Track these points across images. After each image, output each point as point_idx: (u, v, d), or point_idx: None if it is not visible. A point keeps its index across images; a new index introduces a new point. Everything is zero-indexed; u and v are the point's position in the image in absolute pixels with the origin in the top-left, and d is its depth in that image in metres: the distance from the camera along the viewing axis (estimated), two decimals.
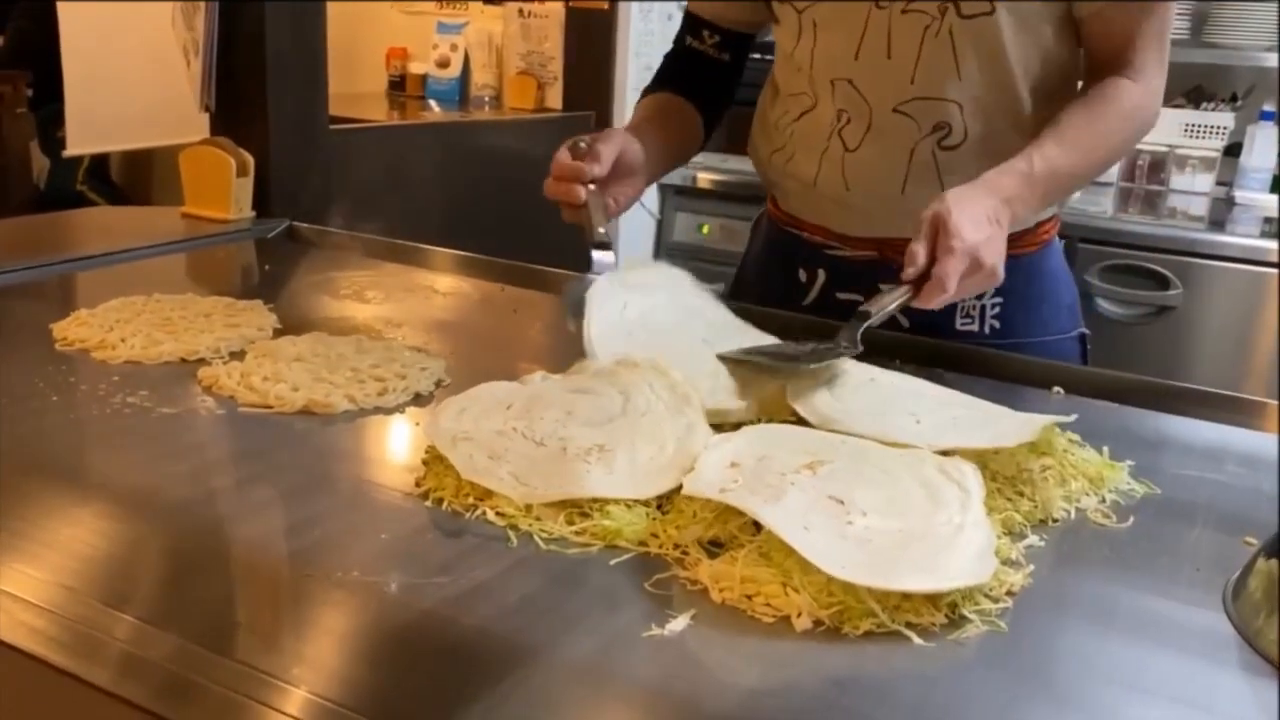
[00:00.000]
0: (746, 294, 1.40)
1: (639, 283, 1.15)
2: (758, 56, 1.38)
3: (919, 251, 1.00)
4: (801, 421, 0.97)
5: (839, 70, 1.20)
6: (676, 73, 1.37)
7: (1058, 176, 1.11)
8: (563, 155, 1.16)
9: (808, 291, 1.31)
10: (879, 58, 1.17)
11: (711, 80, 1.36)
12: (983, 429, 0.91)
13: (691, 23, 1.35)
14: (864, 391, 0.99)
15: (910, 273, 1.00)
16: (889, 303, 1.03)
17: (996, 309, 1.26)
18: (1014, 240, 1.20)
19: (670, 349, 1.06)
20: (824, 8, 1.19)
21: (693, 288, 1.19)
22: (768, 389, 0.99)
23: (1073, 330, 1.32)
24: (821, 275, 1.30)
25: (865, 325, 1.03)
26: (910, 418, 0.92)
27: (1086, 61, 1.20)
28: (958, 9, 1.13)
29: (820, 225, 1.30)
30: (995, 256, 1.01)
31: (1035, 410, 1.01)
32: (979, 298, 1.24)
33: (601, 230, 1.14)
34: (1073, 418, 0.94)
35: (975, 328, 1.26)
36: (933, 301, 1.00)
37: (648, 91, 1.39)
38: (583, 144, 1.17)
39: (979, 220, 1.01)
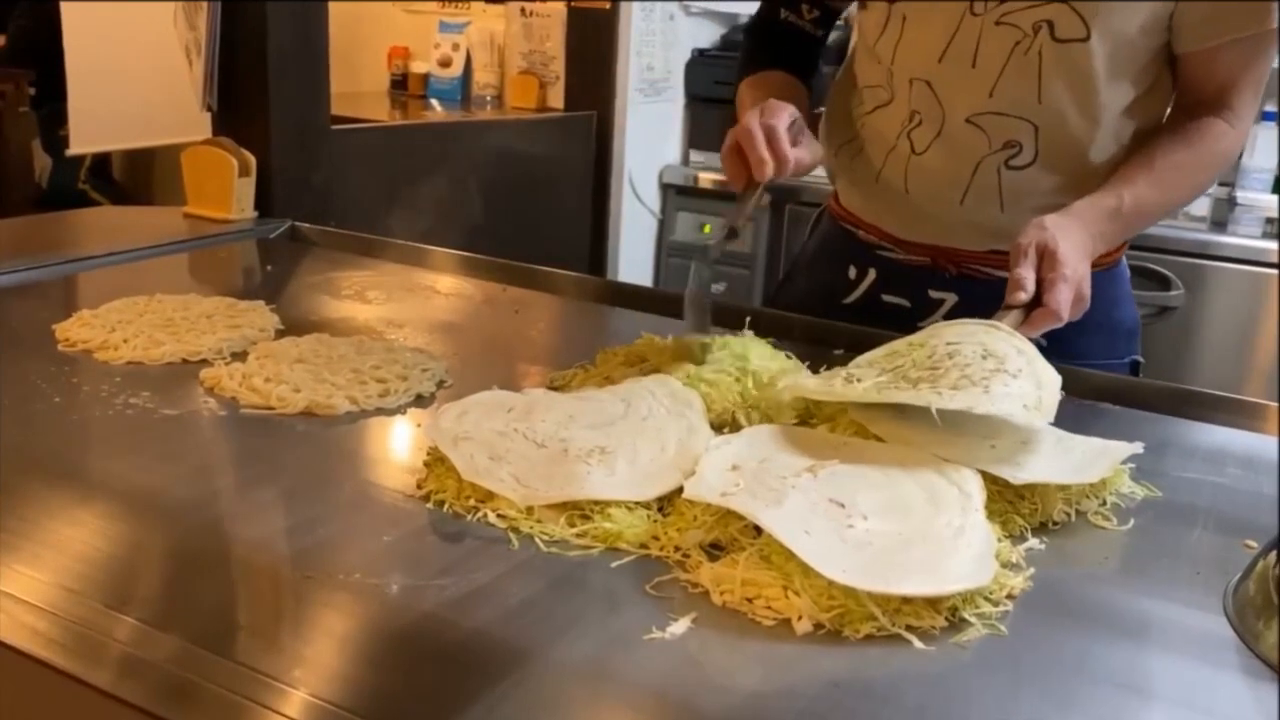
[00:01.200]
0: (794, 285, 1.39)
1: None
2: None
3: (1027, 277, 0.99)
4: (803, 423, 0.97)
5: (919, 70, 1.18)
6: (774, 48, 1.32)
7: (1143, 214, 1.11)
8: (783, 133, 1.05)
9: (854, 289, 1.29)
10: (963, 64, 1.14)
11: (807, 55, 1.33)
12: (1063, 457, 0.89)
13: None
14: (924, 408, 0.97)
15: (1020, 298, 0.99)
16: (1004, 326, 0.98)
17: None
18: None
19: None
20: (917, 4, 1.16)
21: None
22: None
23: (1125, 357, 1.28)
24: (871, 274, 1.29)
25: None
26: (985, 441, 0.89)
27: (1180, 97, 1.17)
28: (1051, 30, 1.10)
29: (876, 225, 1.29)
30: (1090, 289, 1.02)
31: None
32: None
33: (744, 221, 1.12)
34: (1138, 447, 0.92)
35: None
36: (1041, 329, 0.99)
37: (750, 67, 1.32)
38: (793, 127, 1.08)
39: (1081, 253, 1.01)
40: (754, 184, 1.05)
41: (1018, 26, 1.11)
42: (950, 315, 1.22)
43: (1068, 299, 0.98)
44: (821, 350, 1.15)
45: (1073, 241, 1.01)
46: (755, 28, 1.36)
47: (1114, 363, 1.26)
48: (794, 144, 1.07)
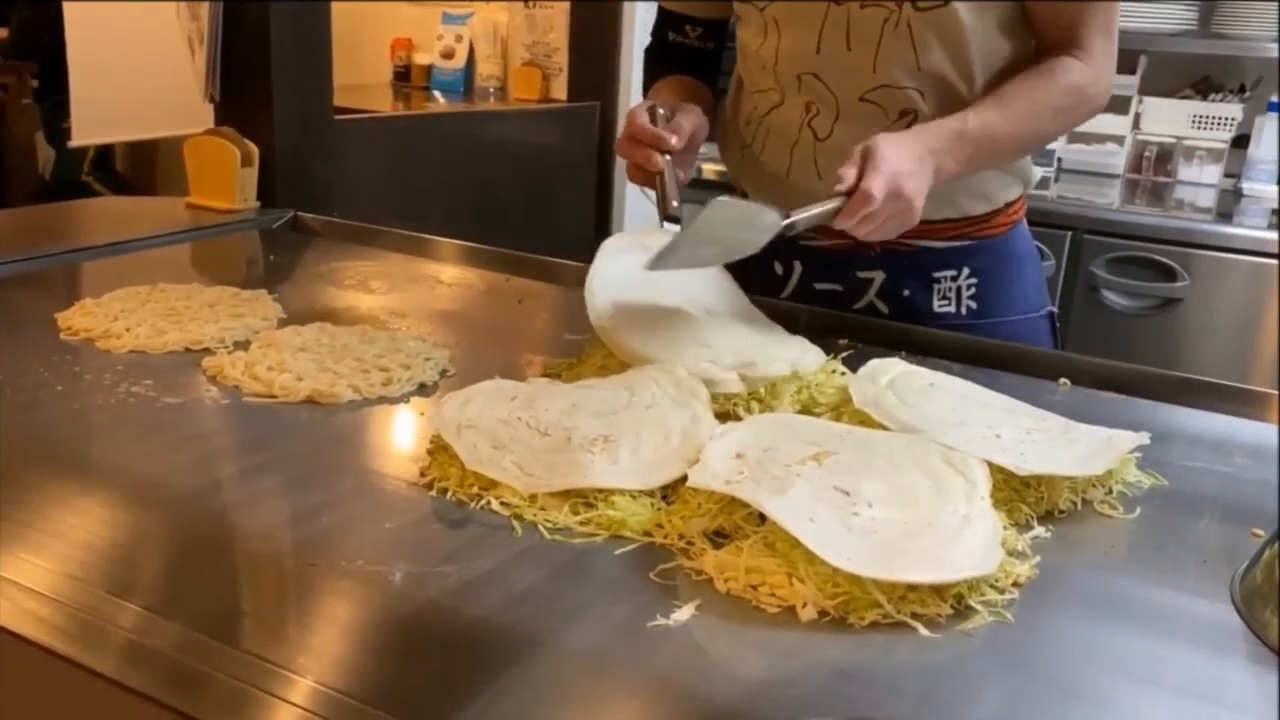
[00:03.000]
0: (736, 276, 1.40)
1: (657, 245, 1.15)
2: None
3: (848, 173, 1.05)
4: (808, 412, 0.97)
5: (802, 65, 1.22)
6: (671, 64, 1.39)
7: (993, 138, 1.15)
8: (641, 118, 1.16)
9: (785, 283, 1.33)
10: (839, 51, 1.19)
11: (702, 68, 1.39)
12: (1069, 447, 0.89)
13: (670, 19, 1.38)
14: (931, 397, 0.97)
15: (839, 189, 1.04)
16: (815, 211, 1.05)
17: (972, 289, 1.28)
18: (984, 222, 1.27)
19: (669, 305, 1.06)
20: (782, 6, 1.22)
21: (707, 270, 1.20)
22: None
23: (1042, 309, 1.34)
24: (798, 266, 1.32)
25: (790, 233, 1.06)
26: (989, 430, 0.90)
27: (1037, 44, 1.23)
28: (914, 3, 1.15)
29: None
30: (915, 191, 1.05)
31: (1041, 402, 1.01)
32: (954, 278, 1.28)
33: (675, 203, 1.14)
34: (1145, 438, 0.92)
35: (952, 309, 1.28)
36: (856, 216, 1.03)
37: (655, 78, 1.39)
38: (662, 111, 1.18)
39: (904, 155, 1.06)
40: (659, 169, 1.14)
41: (882, 5, 1.16)
42: (882, 291, 1.28)
43: (880, 187, 1.02)
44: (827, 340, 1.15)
45: (898, 147, 1.06)
46: (652, 49, 1.42)
47: (1033, 316, 1.33)
48: (690, 147, 1.18)
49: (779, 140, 1.28)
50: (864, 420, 0.93)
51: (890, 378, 0.99)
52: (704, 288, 1.16)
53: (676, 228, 1.12)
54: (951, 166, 1.12)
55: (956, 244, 1.26)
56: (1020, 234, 1.33)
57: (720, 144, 1.41)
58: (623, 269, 1.09)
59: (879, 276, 1.28)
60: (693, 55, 1.38)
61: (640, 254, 1.08)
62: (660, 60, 1.40)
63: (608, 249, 1.12)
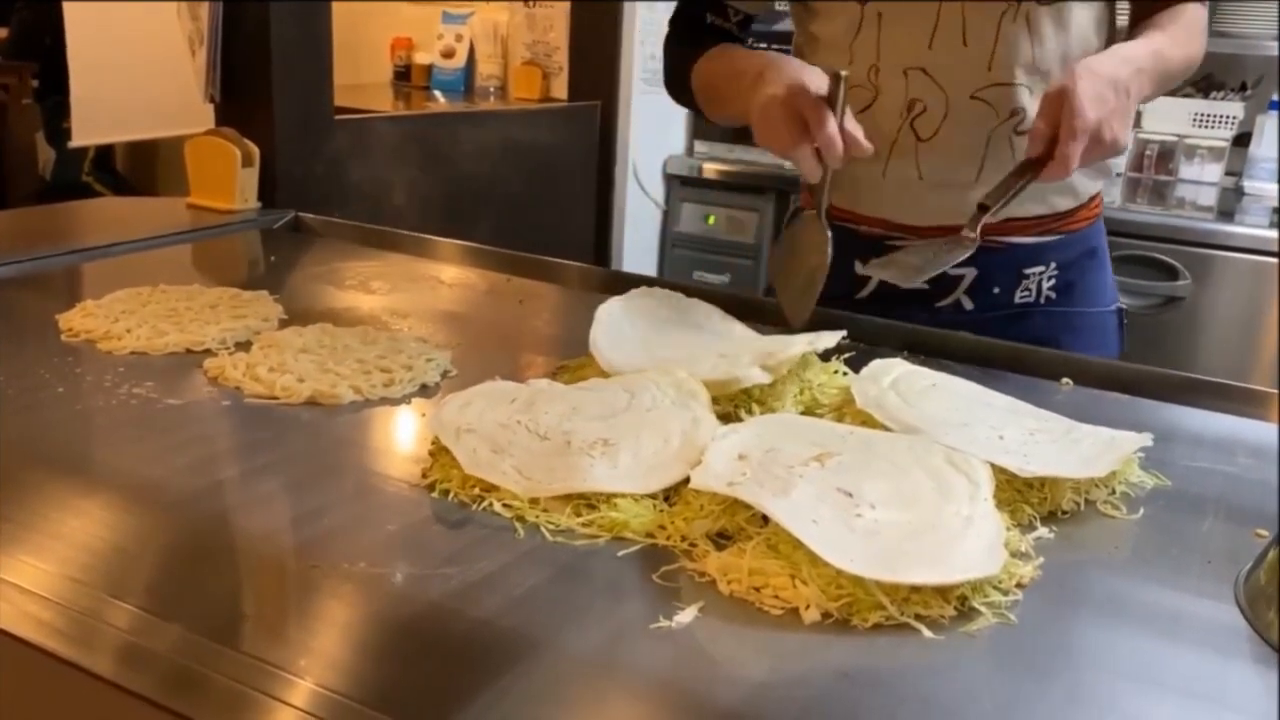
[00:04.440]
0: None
1: (646, 303, 1.17)
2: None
3: (1042, 129, 1.02)
4: (810, 414, 0.97)
5: (911, 59, 1.20)
6: (702, 49, 1.33)
7: (1169, 59, 1.14)
8: (831, 121, 1.04)
9: (864, 284, 1.30)
10: (954, 46, 1.17)
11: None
12: (1072, 449, 0.89)
13: (712, 2, 1.33)
14: (933, 398, 0.97)
15: (1033, 151, 1.03)
16: (1010, 188, 1.05)
17: (1053, 280, 1.28)
18: (1069, 216, 1.27)
19: (677, 341, 1.06)
20: (892, 2, 1.19)
21: (699, 303, 1.20)
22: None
23: (1113, 304, 1.35)
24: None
25: (987, 215, 1.06)
26: (992, 431, 0.90)
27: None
28: None
29: (879, 217, 1.28)
30: (1118, 130, 1.03)
31: (1044, 402, 1.00)
32: (1041, 273, 1.27)
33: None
34: (1148, 439, 0.92)
35: (1032, 299, 1.28)
36: (1054, 179, 1.03)
37: (694, 53, 1.32)
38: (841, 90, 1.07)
39: (1104, 95, 1.02)
40: (823, 167, 1.07)
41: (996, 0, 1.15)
42: (970, 288, 1.27)
43: (1077, 150, 1.00)
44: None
45: (1095, 88, 1.01)
46: (678, 34, 1.37)
47: (1106, 311, 1.34)
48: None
49: (873, 139, 1.21)
50: (866, 421, 0.93)
51: (893, 378, 0.99)
52: (706, 325, 1.16)
53: (664, 291, 1.15)
54: (1146, 88, 1.10)
55: (1045, 239, 1.26)
56: (1099, 229, 1.33)
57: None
58: (620, 327, 1.09)
59: (970, 274, 1.26)
60: (724, 40, 1.33)
61: (635, 313, 1.12)
62: (691, 43, 1.35)
63: (602, 313, 1.10)
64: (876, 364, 1.02)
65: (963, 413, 0.94)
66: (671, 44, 1.39)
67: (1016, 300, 1.27)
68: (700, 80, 1.31)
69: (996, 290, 1.26)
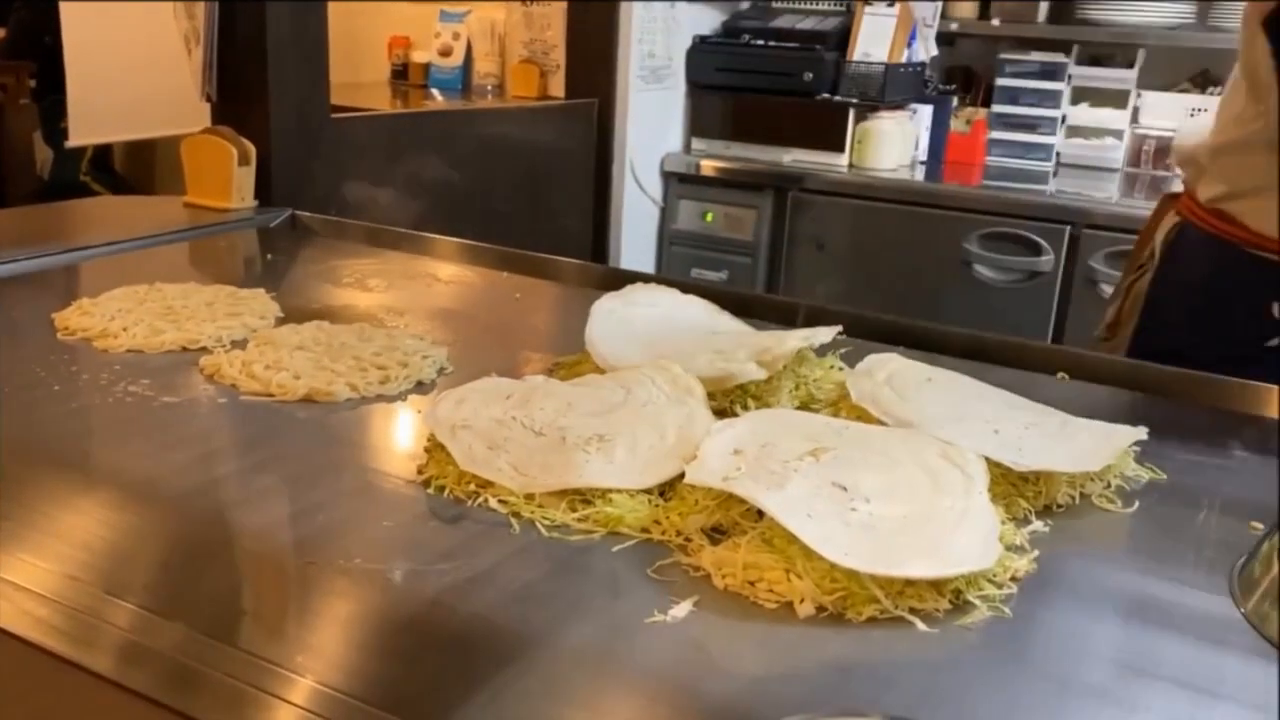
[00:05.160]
0: (1170, 321, 1.22)
1: (642, 300, 1.17)
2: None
3: None
4: (805, 408, 0.97)
5: None
6: None
7: None
8: None
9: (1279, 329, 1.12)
10: None
11: None
12: (1067, 443, 0.89)
13: None
14: (929, 392, 0.97)
15: None
16: None
17: None
18: None
19: (673, 337, 1.07)
20: None
21: (694, 300, 1.20)
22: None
23: None
24: None
25: None
26: (987, 425, 0.90)
27: None
28: None
29: None
30: None
31: (1041, 396, 1.01)
32: None
33: None
34: (1142, 432, 0.91)
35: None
36: None
37: None
38: None
39: None
40: None
41: None
42: None
43: None
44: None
45: None
46: None
47: None
48: None
49: None
50: (861, 415, 0.93)
51: (888, 373, 0.99)
52: (702, 321, 1.16)
53: (661, 288, 1.12)
54: None
55: None
56: None
57: (1212, 153, 1.20)
58: (616, 324, 1.09)
59: None
60: None
61: (631, 309, 1.11)
62: None
63: (598, 310, 1.10)
64: (871, 359, 1.02)
65: (958, 407, 0.94)
66: None
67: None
68: None
69: None
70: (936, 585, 0.70)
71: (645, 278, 1.28)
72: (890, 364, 1.01)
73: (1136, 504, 0.86)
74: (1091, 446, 0.88)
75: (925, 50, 2.98)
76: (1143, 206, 2.54)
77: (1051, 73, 2.92)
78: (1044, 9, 2.95)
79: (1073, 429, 0.92)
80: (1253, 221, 1.16)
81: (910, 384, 0.98)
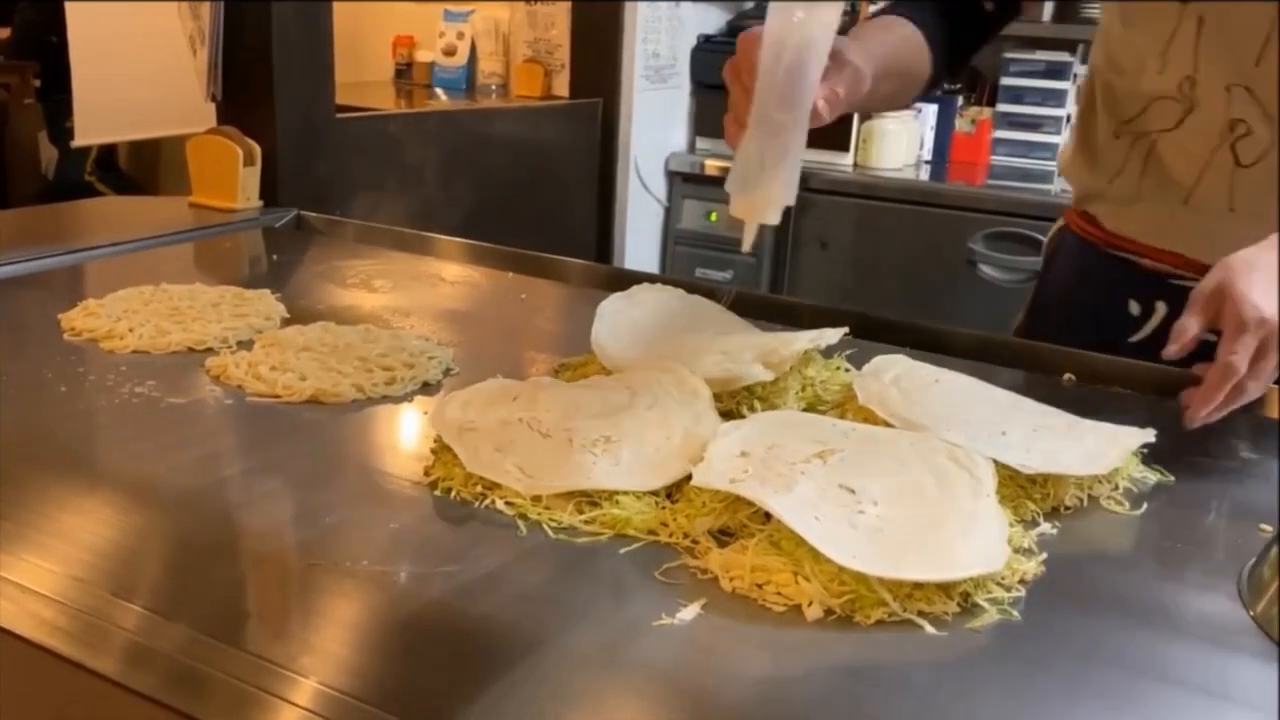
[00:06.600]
0: (1049, 323, 1.26)
1: (648, 300, 1.17)
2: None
3: (1187, 328, 0.86)
4: (812, 410, 0.97)
5: (1233, 75, 1.05)
6: (917, 5, 1.14)
7: None
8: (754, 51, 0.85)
9: (1140, 325, 1.16)
10: None
11: (968, 28, 1.17)
12: (1074, 445, 0.88)
13: None
14: (936, 394, 0.97)
15: (1173, 350, 0.88)
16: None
17: None
18: None
19: (680, 339, 1.06)
20: (1217, 4, 1.04)
21: (701, 300, 1.20)
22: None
23: None
24: (1162, 308, 1.14)
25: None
26: (995, 427, 0.89)
27: None
28: None
29: (1171, 251, 1.14)
30: None
31: (1047, 397, 1.00)
32: None
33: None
34: (1150, 434, 0.91)
35: None
36: (1216, 396, 0.87)
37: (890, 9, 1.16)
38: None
39: (1275, 283, 0.86)
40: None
41: None
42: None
43: (1247, 348, 0.84)
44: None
45: (1264, 277, 0.85)
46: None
47: None
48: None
49: (1182, 160, 1.10)
50: (868, 417, 0.93)
51: (895, 374, 0.99)
52: (708, 322, 1.16)
53: (666, 288, 1.11)
54: None
55: None
56: None
57: (1069, 169, 1.26)
58: (622, 325, 1.09)
59: None
60: (968, 7, 1.16)
61: (637, 310, 1.11)
62: None
63: (604, 311, 1.09)
64: (878, 360, 1.02)
65: (965, 409, 0.94)
66: None
67: None
68: None
69: None
70: (945, 588, 0.69)
71: (650, 278, 1.28)
72: (897, 365, 1.01)
73: (1145, 506, 0.86)
74: (1100, 448, 0.88)
75: None
76: None
77: (1056, 72, 2.92)
78: (1049, 8, 2.95)
79: (1080, 431, 0.92)
80: (1108, 223, 1.21)
81: (917, 386, 0.98)
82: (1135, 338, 1.16)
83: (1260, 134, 1.06)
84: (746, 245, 0.90)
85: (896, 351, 1.08)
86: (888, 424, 0.90)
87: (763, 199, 0.87)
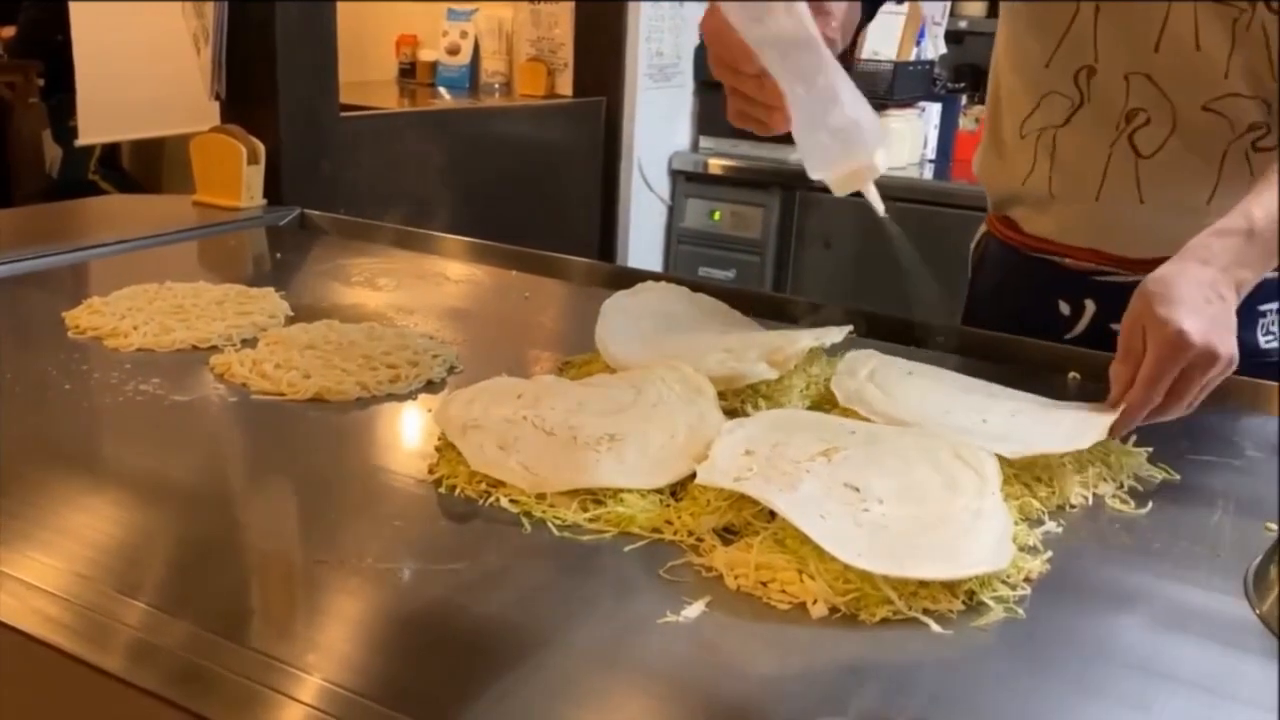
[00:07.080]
0: (981, 327, 1.25)
1: (652, 299, 1.17)
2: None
3: (1121, 373, 0.88)
4: (817, 408, 0.96)
5: (1131, 63, 1.06)
6: None
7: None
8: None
9: (1073, 325, 1.17)
10: (1185, 51, 1.03)
11: None
12: (1053, 427, 0.88)
13: None
14: (913, 386, 0.97)
15: (1119, 426, 0.88)
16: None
17: None
18: None
19: (684, 337, 1.06)
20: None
21: (704, 298, 1.20)
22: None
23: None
24: (1090, 306, 1.16)
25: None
26: (976, 416, 0.90)
27: None
28: (1268, 1, 1.00)
29: (1090, 249, 1.15)
30: (1223, 341, 0.85)
31: (1053, 396, 1.00)
32: (1277, 310, 1.10)
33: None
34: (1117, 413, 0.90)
35: (1276, 344, 1.13)
36: (1136, 418, 0.87)
37: None
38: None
39: (1195, 302, 0.86)
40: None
41: (1232, 4, 1.01)
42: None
43: (1170, 362, 0.85)
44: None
45: (1182, 297, 0.85)
46: None
47: None
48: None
49: (1085, 156, 1.11)
50: None
51: (870, 370, 0.99)
52: (713, 320, 1.16)
53: (670, 286, 1.10)
54: (1250, 277, 0.91)
55: (1277, 274, 1.02)
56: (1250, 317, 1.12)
57: (981, 172, 1.26)
58: (626, 323, 1.09)
59: None
60: None
61: (641, 308, 1.11)
62: None
63: (608, 309, 1.10)
64: (851, 356, 1.01)
65: (944, 400, 0.94)
66: None
67: (1262, 345, 1.11)
68: None
69: None
70: (950, 586, 0.69)
71: (654, 276, 1.28)
72: (870, 360, 1.01)
73: (1150, 504, 0.85)
74: (1078, 428, 0.88)
75: (934, 48, 2.97)
76: None
77: None
78: None
79: (1058, 413, 0.92)
80: (1027, 226, 1.21)
81: (893, 379, 0.98)
82: (1069, 336, 1.17)
83: (1160, 122, 1.06)
84: (880, 208, 0.88)
85: (897, 351, 1.07)
86: (869, 422, 0.90)
87: (861, 153, 0.85)
